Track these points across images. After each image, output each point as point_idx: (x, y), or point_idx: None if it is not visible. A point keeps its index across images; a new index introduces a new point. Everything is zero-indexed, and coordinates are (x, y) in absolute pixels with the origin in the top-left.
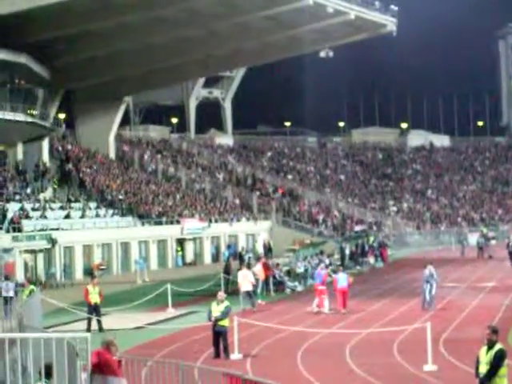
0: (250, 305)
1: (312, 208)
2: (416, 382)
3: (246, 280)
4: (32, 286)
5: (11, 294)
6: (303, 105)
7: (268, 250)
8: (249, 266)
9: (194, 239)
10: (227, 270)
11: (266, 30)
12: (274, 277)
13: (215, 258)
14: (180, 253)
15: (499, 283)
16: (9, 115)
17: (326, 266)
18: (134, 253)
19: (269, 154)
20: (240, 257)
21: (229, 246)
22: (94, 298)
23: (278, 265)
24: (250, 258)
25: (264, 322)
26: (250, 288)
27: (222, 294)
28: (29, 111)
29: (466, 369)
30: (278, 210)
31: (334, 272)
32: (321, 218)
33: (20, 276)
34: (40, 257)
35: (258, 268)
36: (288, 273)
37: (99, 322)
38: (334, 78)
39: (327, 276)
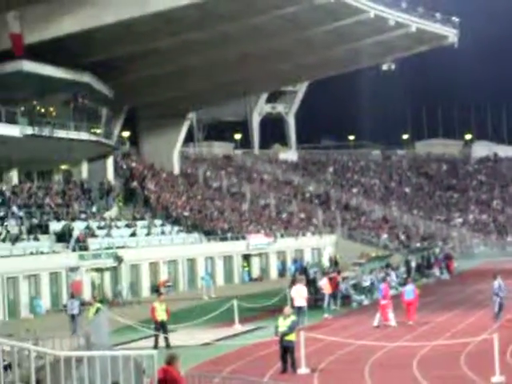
0: (300, 321)
1: (377, 221)
2: None
3: (299, 295)
4: (99, 304)
5: (75, 311)
6: (366, 118)
7: (334, 263)
8: (313, 281)
9: (260, 254)
10: (293, 285)
11: (328, 44)
12: (341, 291)
13: (281, 272)
14: (246, 268)
15: None
16: (73, 134)
17: (384, 279)
18: (200, 269)
19: (333, 167)
20: (304, 271)
21: (295, 261)
22: (161, 315)
23: (344, 278)
24: (315, 272)
25: (331, 336)
26: (302, 304)
27: (288, 309)
28: (93, 130)
29: None
30: (344, 223)
31: (402, 284)
32: (386, 230)
33: (87, 294)
34: (107, 275)
35: (324, 282)
36: (354, 286)
37: (166, 338)
38: (396, 90)
39: (388, 289)
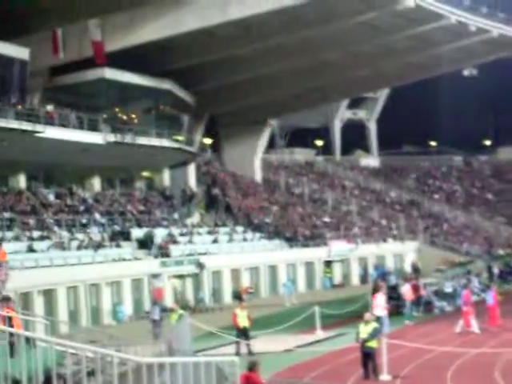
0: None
1: (459, 227)
2: None
3: (377, 305)
4: (181, 311)
5: (157, 317)
6: (448, 123)
7: (416, 270)
8: (395, 287)
9: (342, 261)
10: (375, 292)
11: (408, 50)
12: (423, 297)
13: (363, 279)
14: (328, 274)
15: None
16: (155, 141)
17: (466, 286)
18: (282, 275)
19: (414, 174)
20: (384, 278)
21: (376, 267)
22: (243, 322)
23: (426, 285)
24: (396, 278)
25: (413, 343)
26: (381, 313)
27: (369, 315)
28: (174, 137)
29: None
30: (425, 230)
31: (484, 291)
32: (468, 237)
33: (169, 301)
34: (188, 281)
35: (406, 288)
36: (436, 293)
37: (248, 345)
38: (478, 95)
39: (470, 296)
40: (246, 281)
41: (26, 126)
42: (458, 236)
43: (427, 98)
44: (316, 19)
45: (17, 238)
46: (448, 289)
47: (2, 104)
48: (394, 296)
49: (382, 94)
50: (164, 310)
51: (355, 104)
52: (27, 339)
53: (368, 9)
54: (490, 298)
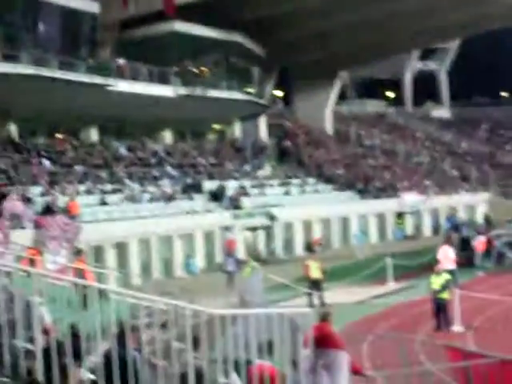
0: (452, 283)
1: None
2: None
3: (445, 258)
4: (253, 263)
5: (230, 268)
6: None
7: (488, 221)
8: (467, 239)
9: (414, 212)
10: (447, 243)
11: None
12: (495, 248)
13: (435, 230)
14: (401, 225)
15: None
16: (225, 94)
17: None
18: (354, 227)
19: (486, 124)
20: (456, 229)
21: (448, 219)
22: (315, 273)
23: (498, 236)
24: (468, 230)
25: (485, 294)
26: (451, 266)
27: (440, 267)
28: (245, 89)
29: None
30: (497, 181)
31: None
32: None
33: (241, 253)
34: (260, 234)
35: (478, 240)
36: (509, 244)
37: (320, 296)
38: None
39: None
40: (317, 233)
41: (97, 79)
42: None
43: (497, 48)
44: None
45: (89, 192)
46: None
47: (73, 58)
48: (466, 247)
49: (453, 45)
50: (239, 262)
51: (426, 55)
52: (100, 292)
53: None
54: None
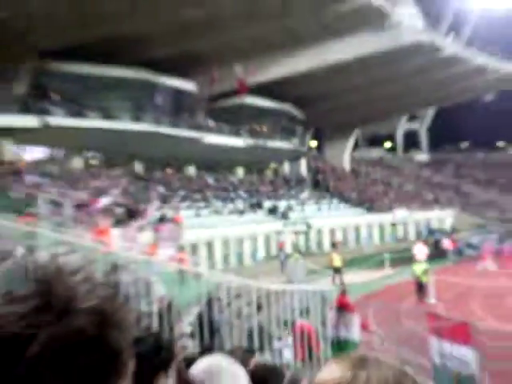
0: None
1: (483, 202)
2: None
3: (420, 252)
4: (297, 255)
5: (282, 259)
6: (472, 128)
7: (453, 229)
8: (439, 241)
9: (403, 223)
10: (423, 243)
11: (448, 84)
12: (457, 247)
13: (417, 235)
14: (394, 232)
15: None
16: (278, 144)
17: (486, 239)
18: (363, 232)
19: (452, 164)
20: (432, 234)
21: (426, 227)
22: (337, 263)
23: (459, 239)
24: (438, 235)
25: (451, 277)
26: (423, 258)
27: (417, 259)
28: (291, 141)
29: None
30: (459, 202)
31: (500, 243)
32: (487, 210)
33: (288, 249)
34: (301, 236)
35: (447, 241)
36: (466, 245)
37: (340, 278)
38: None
39: (489, 246)
40: (338, 235)
41: (194, 134)
42: (481, 207)
43: (460, 107)
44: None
45: (188, 208)
46: (474, 241)
47: (178, 120)
48: (438, 246)
49: (431, 111)
50: (287, 255)
51: (412, 118)
52: (195, 274)
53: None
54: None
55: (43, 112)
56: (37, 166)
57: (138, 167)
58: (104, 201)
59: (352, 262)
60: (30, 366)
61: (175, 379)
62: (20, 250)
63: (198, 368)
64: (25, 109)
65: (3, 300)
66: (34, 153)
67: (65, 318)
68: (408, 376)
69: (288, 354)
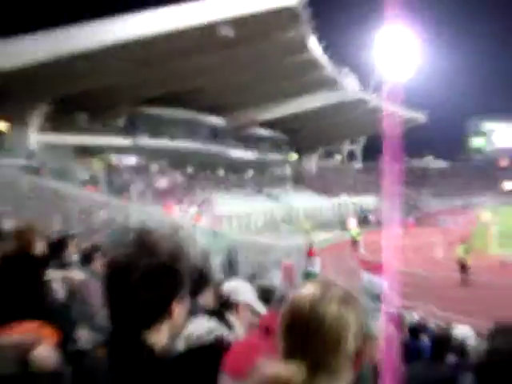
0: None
1: None
2: None
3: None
4: (283, 223)
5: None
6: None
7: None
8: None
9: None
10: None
11: (365, 123)
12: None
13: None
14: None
15: None
16: (274, 156)
17: None
18: (323, 210)
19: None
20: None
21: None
22: (307, 227)
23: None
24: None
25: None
26: (353, 226)
27: (350, 227)
28: (281, 154)
29: None
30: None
31: None
32: None
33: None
34: (285, 212)
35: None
36: None
37: (309, 238)
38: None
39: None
40: (309, 211)
41: (223, 149)
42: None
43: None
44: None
45: (219, 194)
46: None
47: (214, 141)
48: (366, 218)
49: (363, 138)
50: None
51: (352, 141)
52: (221, 233)
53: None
54: None
55: (134, 136)
56: (130, 169)
57: (190, 169)
58: (162, 182)
59: (316, 227)
60: (134, 284)
61: (213, 293)
62: (119, 218)
63: (226, 286)
64: (124, 134)
65: (114, 247)
66: (129, 160)
67: (153, 256)
68: (351, 293)
69: (277, 280)
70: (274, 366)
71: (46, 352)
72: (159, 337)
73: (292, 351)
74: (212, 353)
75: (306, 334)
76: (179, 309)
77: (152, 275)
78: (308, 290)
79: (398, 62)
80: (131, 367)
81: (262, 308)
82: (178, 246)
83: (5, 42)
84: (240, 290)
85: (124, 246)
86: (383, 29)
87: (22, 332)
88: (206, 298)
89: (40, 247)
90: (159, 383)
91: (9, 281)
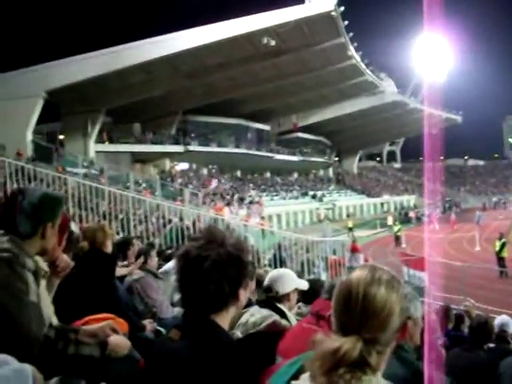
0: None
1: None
2: None
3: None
4: (327, 221)
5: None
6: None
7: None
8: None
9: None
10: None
11: (416, 121)
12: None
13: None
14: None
15: None
16: (317, 159)
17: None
18: (364, 209)
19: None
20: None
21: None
22: (350, 225)
23: None
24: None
25: (414, 232)
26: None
27: (390, 221)
28: (323, 157)
29: None
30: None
31: None
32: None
33: (322, 217)
34: (329, 211)
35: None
36: None
37: (352, 234)
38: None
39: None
40: (351, 210)
41: (269, 154)
42: (430, 193)
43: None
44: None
45: (266, 195)
46: (427, 213)
47: (260, 146)
48: (407, 215)
49: (402, 139)
50: (321, 221)
51: (391, 143)
52: (269, 231)
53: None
54: None
55: (185, 143)
56: (182, 173)
57: (238, 173)
58: (213, 183)
59: (358, 225)
60: (206, 272)
61: (255, 281)
62: (175, 219)
63: (271, 275)
64: (175, 142)
65: (188, 240)
66: (181, 166)
67: (221, 248)
68: (396, 276)
69: (323, 275)
70: (333, 340)
71: (120, 339)
72: (226, 319)
73: (348, 328)
74: (268, 338)
75: (360, 312)
76: (244, 294)
77: (221, 264)
78: (359, 274)
79: (435, 65)
80: (204, 346)
81: (305, 284)
82: (241, 239)
83: (65, 60)
84: (284, 278)
85: (195, 240)
86: (421, 33)
87: (98, 322)
88: (250, 288)
89: (110, 246)
90: (229, 362)
91: (84, 277)
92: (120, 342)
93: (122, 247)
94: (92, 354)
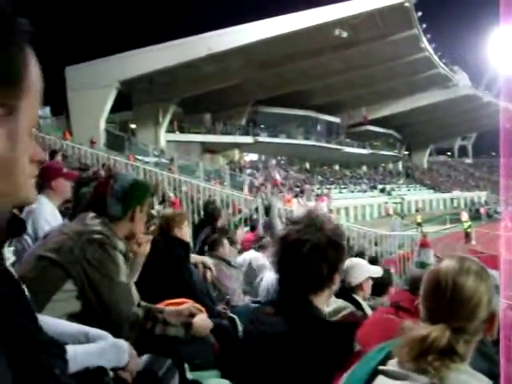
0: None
1: None
2: None
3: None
4: (396, 215)
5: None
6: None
7: None
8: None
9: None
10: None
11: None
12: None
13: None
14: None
15: None
16: (387, 152)
17: None
18: (434, 204)
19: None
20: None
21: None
22: (419, 220)
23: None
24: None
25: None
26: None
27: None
28: (393, 151)
29: None
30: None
31: None
32: None
33: (391, 212)
34: (398, 205)
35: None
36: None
37: (421, 229)
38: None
39: None
40: (420, 205)
41: (338, 146)
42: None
43: (492, 133)
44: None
45: (335, 188)
46: (499, 209)
47: (329, 138)
48: (477, 212)
49: (474, 134)
50: (389, 216)
51: (463, 138)
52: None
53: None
54: None
55: (255, 134)
56: (251, 164)
57: (307, 165)
58: (277, 176)
59: (427, 220)
60: (305, 254)
61: None
62: (245, 209)
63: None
64: (245, 132)
65: (289, 223)
66: (250, 156)
67: (319, 232)
68: (484, 267)
69: (391, 269)
70: (422, 328)
71: (203, 320)
72: (322, 300)
73: (436, 316)
74: (346, 328)
75: (448, 301)
76: (338, 279)
77: (320, 248)
78: (448, 263)
79: (511, 58)
80: (301, 321)
81: (378, 271)
82: (339, 225)
83: (137, 51)
84: (355, 268)
85: (294, 223)
86: (497, 25)
87: (179, 305)
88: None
89: (187, 233)
90: (325, 338)
91: (161, 262)
92: (203, 322)
93: (211, 217)
94: (177, 334)
